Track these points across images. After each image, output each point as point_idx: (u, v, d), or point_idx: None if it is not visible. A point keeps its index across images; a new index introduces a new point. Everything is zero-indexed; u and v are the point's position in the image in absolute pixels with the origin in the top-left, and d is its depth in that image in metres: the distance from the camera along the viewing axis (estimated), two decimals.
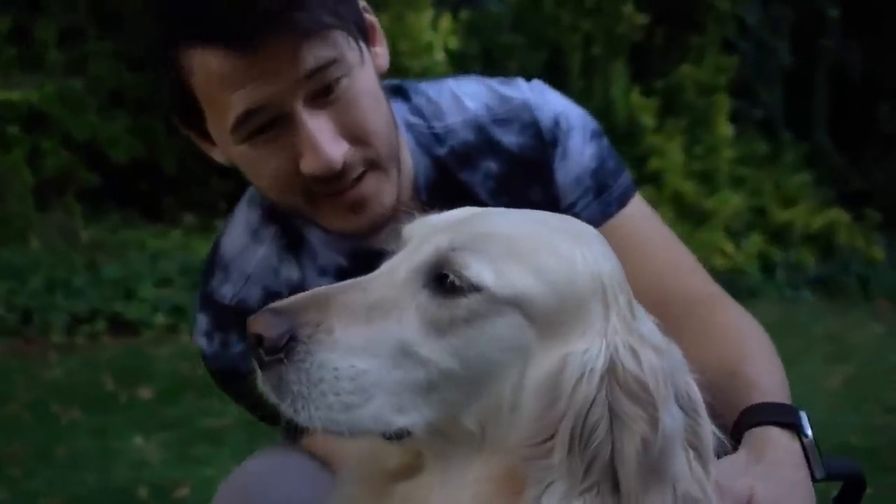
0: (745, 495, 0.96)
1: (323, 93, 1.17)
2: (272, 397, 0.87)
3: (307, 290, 1.26)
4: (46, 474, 3.44)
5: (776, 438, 1.04)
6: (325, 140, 1.16)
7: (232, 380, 1.30)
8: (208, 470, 3.29)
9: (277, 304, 0.88)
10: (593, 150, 1.38)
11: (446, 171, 1.35)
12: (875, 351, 5.20)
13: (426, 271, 0.88)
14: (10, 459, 3.63)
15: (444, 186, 1.34)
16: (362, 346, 0.85)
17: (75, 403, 4.37)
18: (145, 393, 4.54)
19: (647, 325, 0.92)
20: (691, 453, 0.86)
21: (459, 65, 7.71)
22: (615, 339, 0.86)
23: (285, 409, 0.86)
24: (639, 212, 1.40)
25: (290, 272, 1.34)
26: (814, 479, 1.05)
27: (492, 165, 1.36)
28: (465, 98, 1.38)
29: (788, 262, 7.45)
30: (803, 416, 1.08)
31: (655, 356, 0.86)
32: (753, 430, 1.06)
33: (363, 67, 1.21)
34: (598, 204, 1.36)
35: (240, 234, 1.37)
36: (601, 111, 7.69)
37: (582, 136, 1.38)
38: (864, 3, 9.31)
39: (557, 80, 7.84)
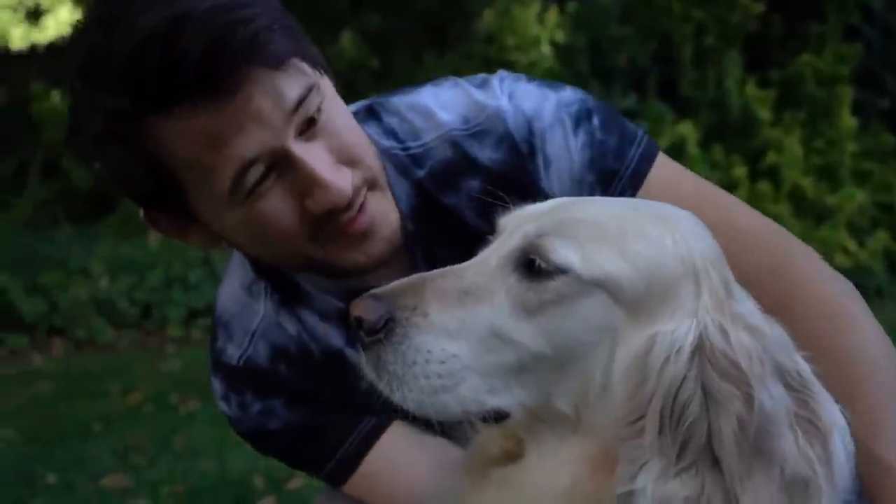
0: None
1: (308, 124, 1.11)
2: (372, 378, 0.91)
3: (312, 338, 1.28)
4: (167, 463, 3.57)
5: None
6: (328, 172, 1.11)
7: (260, 439, 1.31)
8: None
9: (377, 289, 0.93)
10: (582, 140, 1.26)
11: (428, 195, 1.28)
12: None
13: (515, 257, 0.92)
14: (134, 448, 3.78)
15: (430, 212, 1.27)
16: (456, 329, 0.89)
17: (193, 394, 4.51)
18: None
19: (745, 304, 0.93)
20: (800, 433, 0.85)
21: (566, 58, 7.63)
22: (706, 317, 0.88)
23: (383, 388, 0.90)
24: (662, 184, 1.26)
25: (291, 326, 1.29)
26: None
27: (474, 185, 1.27)
28: (440, 111, 1.29)
29: None
30: None
31: (748, 335, 0.87)
32: None
33: (329, 91, 1.16)
34: (609, 195, 1.24)
35: (236, 289, 1.32)
36: (714, 104, 7.54)
37: (562, 132, 1.26)
38: None
39: (668, 72, 7.70)
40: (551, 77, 1.29)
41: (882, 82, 8.12)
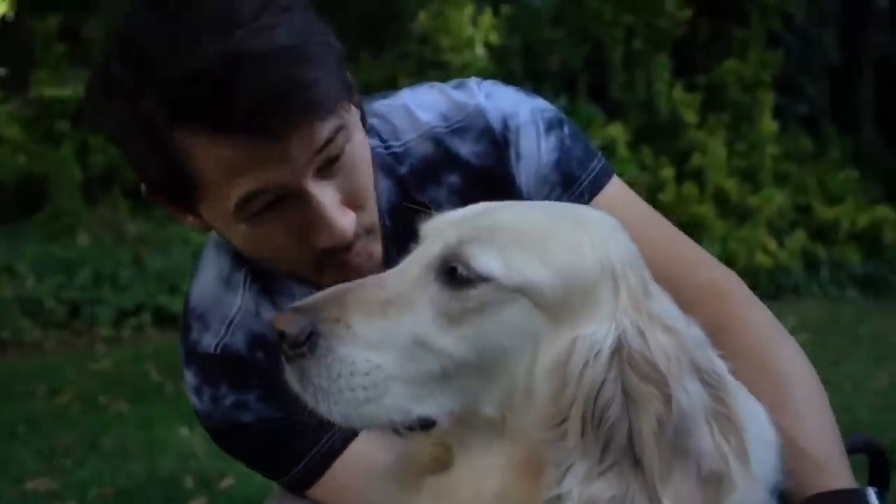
0: None
1: (329, 163, 1.11)
2: (296, 389, 0.90)
3: None
4: (95, 464, 3.51)
5: None
6: (336, 214, 1.12)
7: (228, 435, 1.28)
8: None
9: (299, 302, 0.92)
10: (552, 143, 1.31)
11: (407, 192, 1.30)
12: None
13: (437, 265, 0.91)
14: (61, 449, 3.70)
15: (407, 209, 1.27)
16: (379, 339, 0.88)
17: (122, 394, 4.45)
18: None
19: (663, 304, 0.93)
20: (716, 428, 0.86)
21: (500, 60, 7.70)
22: (624, 319, 0.87)
23: (308, 400, 0.89)
24: (616, 198, 1.31)
25: (270, 314, 1.26)
26: None
27: (454, 179, 1.31)
28: (420, 111, 1.32)
29: (833, 260, 7.35)
30: (872, 497, 1.00)
31: (665, 335, 0.87)
32: None
33: (352, 121, 1.16)
34: (568, 197, 1.29)
35: (211, 283, 1.30)
36: (643, 106, 7.67)
37: (535, 131, 1.30)
38: None
39: (599, 74, 7.82)
40: (484, 78, 1.33)
41: (801, 88, 8.37)
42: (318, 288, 1.18)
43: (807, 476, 0.98)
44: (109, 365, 5.06)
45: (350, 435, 1.22)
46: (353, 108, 1.17)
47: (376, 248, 1.23)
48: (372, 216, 1.21)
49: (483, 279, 0.88)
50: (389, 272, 0.95)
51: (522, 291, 0.88)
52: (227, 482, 3.24)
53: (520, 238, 0.91)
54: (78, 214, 6.97)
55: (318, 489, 1.24)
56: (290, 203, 1.11)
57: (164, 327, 5.93)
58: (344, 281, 1.10)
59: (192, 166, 1.08)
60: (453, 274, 0.89)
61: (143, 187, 1.20)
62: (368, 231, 1.20)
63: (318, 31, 1.11)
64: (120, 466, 3.46)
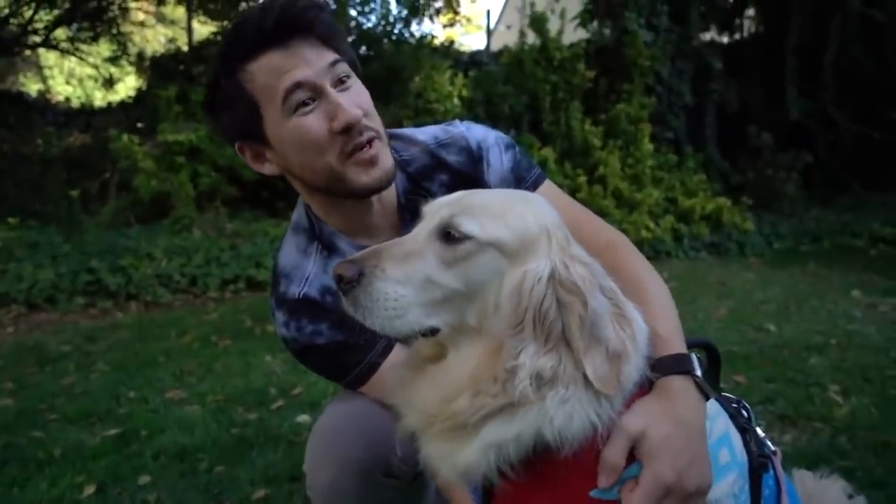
0: (640, 432, 0.88)
1: (340, 82, 1.16)
2: (350, 311, 0.90)
3: None
4: (210, 381, 3.52)
5: (675, 386, 0.94)
6: (348, 104, 1.15)
7: (307, 353, 1.26)
8: (314, 377, 3.38)
9: (351, 256, 0.92)
10: (509, 157, 1.33)
11: (415, 182, 1.31)
12: (748, 291, 5.17)
13: (438, 231, 0.92)
14: (188, 371, 3.72)
15: (414, 192, 1.29)
16: (403, 278, 0.89)
17: (226, 335, 4.46)
18: (271, 327, 4.62)
19: (577, 249, 0.95)
20: (616, 324, 0.88)
21: (469, 107, 7.66)
22: (555, 258, 0.90)
23: (358, 317, 0.90)
24: (550, 191, 1.33)
25: None
26: (709, 398, 0.98)
27: (443, 178, 1.31)
28: (419, 135, 1.35)
29: (691, 233, 7.39)
30: (695, 359, 0.99)
31: (581, 267, 0.90)
32: (659, 380, 0.95)
33: (357, 79, 1.22)
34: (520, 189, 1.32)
35: (292, 252, 1.29)
36: (564, 136, 7.65)
37: (498, 151, 1.33)
38: (738, 57, 9.18)
39: (535, 116, 7.80)
40: (461, 119, 1.32)
41: (668, 121, 8.38)
42: (361, 241, 1.25)
43: (658, 348, 0.99)
44: (217, 316, 5.07)
45: (386, 350, 1.22)
46: (352, 71, 1.21)
47: (385, 153, 1.22)
48: (376, 125, 1.21)
49: (467, 238, 0.90)
50: (407, 237, 0.95)
51: (492, 244, 0.90)
52: (298, 390, 3.26)
53: (489, 210, 0.92)
54: (192, 218, 6.95)
55: (367, 387, 1.25)
56: (319, 102, 1.14)
57: (253, 290, 5.91)
58: (363, 172, 1.18)
59: (253, 87, 1.14)
60: (448, 236, 0.90)
61: (236, 146, 1.23)
62: (376, 133, 1.20)
63: (321, 4, 1.19)
64: (226, 382, 3.48)
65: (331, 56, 1.16)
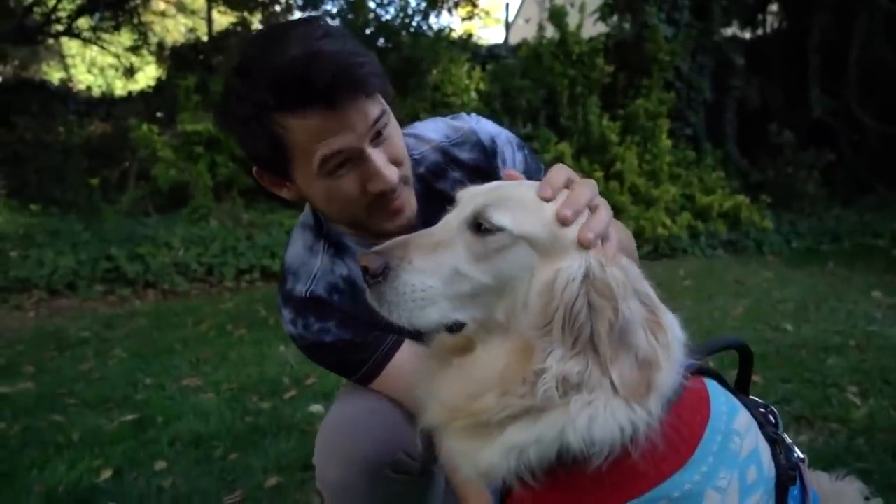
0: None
1: (377, 135, 1.12)
2: (375, 306, 0.88)
3: (356, 280, 1.24)
4: (225, 369, 3.54)
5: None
6: (385, 167, 1.12)
7: (315, 350, 1.26)
8: None
9: (377, 247, 0.89)
10: (521, 156, 1.34)
11: (427, 183, 1.30)
12: (766, 290, 5.09)
13: (469, 221, 0.89)
14: (203, 360, 3.75)
15: (427, 193, 1.28)
16: (431, 270, 0.86)
17: (242, 324, 4.48)
18: None
19: (615, 251, 0.91)
20: (649, 331, 0.85)
21: (486, 101, 7.63)
22: (591, 258, 0.86)
23: (384, 312, 0.87)
24: None
25: (341, 269, 1.26)
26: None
27: (456, 175, 1.30)
28: (429, 133, 1.33)
29: (708, 231, 7.30)
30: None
31: (617, 269, 0.86)
32: None
33: (391, 115, 1.17)
34: None
35: (300, 250, 1.28)
36: (582, 131, 7.59)
37: (511, 149, 1.33)
38: (760, 53, 9.04)
39: (552, 110, 7.74)
40: (477, 114, 1.30)
41: (686, 118, 8.29)
42: (371, 241, 1.20)
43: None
44: (233, 306, 5.09)
45: (394, 348, 1.21)
46: (389, 107, 1.17)
47: (411, 197, 1.21)
48: (406, 170, 1.19)
49: (499, 229, 0.87)
50: (437, 226, 0.92)
51: (524, 238, 0.87)
52: (311, 380, 3.27)
53: (522, 204, 0.89)
54: (210, 208, 6.99)
55: (375, 384, 1.25)
56: (354, 163, 1.11)
57: (268, 280, 5.93)
58: (388, 220, 1.18)
59: (288, 139, 1.07)
60: (479, 226, 0.88)
61: (254, 169, 1.19)
62: (405, 181, 1.19)
63: (364, 52, 1.11)
64: (241, 370, 3.50)
65: (375, 111, 1.10)
